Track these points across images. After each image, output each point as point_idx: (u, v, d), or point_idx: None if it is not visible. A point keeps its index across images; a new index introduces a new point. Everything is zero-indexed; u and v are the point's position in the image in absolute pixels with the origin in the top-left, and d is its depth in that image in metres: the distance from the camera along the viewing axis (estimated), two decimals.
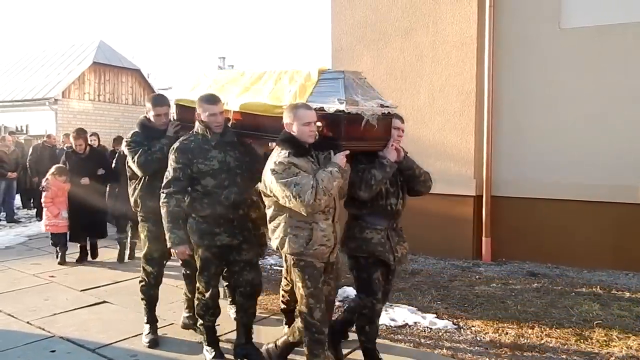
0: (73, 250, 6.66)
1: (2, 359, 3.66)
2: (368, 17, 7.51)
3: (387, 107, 3.34)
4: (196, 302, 3.60)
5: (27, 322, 4.36)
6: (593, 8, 6.35)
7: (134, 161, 3.75)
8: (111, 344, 3.91)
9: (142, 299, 4.09)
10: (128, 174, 3.98)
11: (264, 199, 3.15)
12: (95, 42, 22.58)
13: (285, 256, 3.10)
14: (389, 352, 3.79)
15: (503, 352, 3.81)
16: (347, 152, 3.02)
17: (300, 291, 3.03)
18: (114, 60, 22.32)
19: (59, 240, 6.57)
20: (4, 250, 7.32)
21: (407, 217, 6.98)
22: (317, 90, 3.29)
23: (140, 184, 3.89)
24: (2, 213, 10.00)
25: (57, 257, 6.56)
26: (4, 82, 22.24)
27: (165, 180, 3.39)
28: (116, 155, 6.83)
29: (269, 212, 3.10)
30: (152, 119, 3.90)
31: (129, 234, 6.65)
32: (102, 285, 5.55)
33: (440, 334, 4.19)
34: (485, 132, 6.70)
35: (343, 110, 3.02)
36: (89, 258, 6.68)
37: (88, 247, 6.69)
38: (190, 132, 3.51)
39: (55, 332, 4.09)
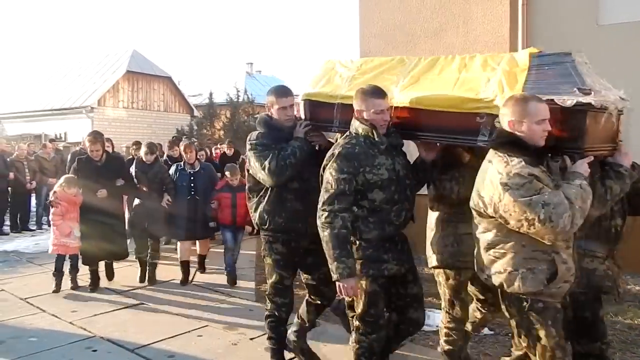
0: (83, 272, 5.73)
1: (47, 357, 3.80)
2: (396, 19, 7.49)
3: (625, 100, 2.61)
4: (354, 344, 2.89)
5: (70, 323, 4.51)
6: (632, 2, 6.16)
7: (265, 168, 3.05)
8: (149, 344, 4.01)
9: (269, 338, 3.43)
10: (248, 184, 3.37)
11: (477, 219, 2.50)
12: (129, 51, 23.24)
13: (504, 295, 2.50)
14: (425, 357, 3.75)
15: None
16: (591, 158, 2.41)
17: (540, 341, 2.41)
18: (147, 69, 22.92)
19: (60, 265, 5.52)
20: (46, 254, 7.58)
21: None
22: (534, 78, 2.63)
23: (267, 197, 3.20)
24: (45, 217, 10.36)
25: (56, 286, 5.46)
26: (43, 92, 23.10)
27: (325, 195, 2.72)
28: (134, 162, 6.20)
29: (486, 236, 2.47)
30: (275, 114, 3.25)
31: (149, 252, 5.89)
32: (139, 288, 5.69)
33: (477, 339, 4.11)
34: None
35: (586, 103, 2.34)
36: (104, 281, 5.77)
37: (102, 269, 5.77)
38: (348, 134, 2.88)
39: (96, 332, 4.22)
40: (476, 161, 2.70)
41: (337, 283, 2.70)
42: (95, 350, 3.89)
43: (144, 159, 5.95)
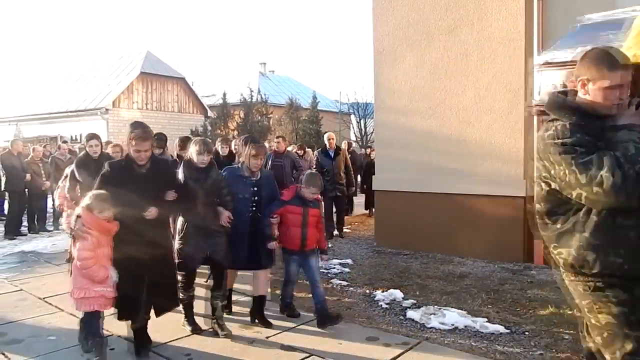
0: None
1: (66, 355, 3.85)
2: (410, 17, 7.45)
3: None
4: None
5: None
6: None
7: (601, 181, 1.98)
8: (166, 343, 4.03)
9: None
10: (545, 205, 2.34)
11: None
12: (143, 52, 23.49)
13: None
14: (440, 355, 3.73)
15: (560, 358, 3.68)
16: None
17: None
18: (160, 70, 23.14)
19: (97, 328, 3.63)
20: (63, 254, 7.66)
21: (455, 220, 6.96)
22: None
23: (588, 224, 2.13)
24: (62, 218, 10.48)
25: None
26: (58, 94, 23.44)
27: None
28: (180, 167, 4.27)
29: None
30: (592, 94, 2.17)
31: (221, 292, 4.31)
32: None
33: (492, 338, 4.08)
34: (535, 130, 6.49)
35: None
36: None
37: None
38: None
39: (114, 331, 4.24)
40: None
41: None
42: (112, 349, 3.92)
43: (195, 162, 4.15)
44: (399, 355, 3.71)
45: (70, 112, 21.67)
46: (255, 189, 4.37)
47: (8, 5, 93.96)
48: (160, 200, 3.71)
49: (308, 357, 3.73)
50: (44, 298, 5.31)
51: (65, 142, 13.12)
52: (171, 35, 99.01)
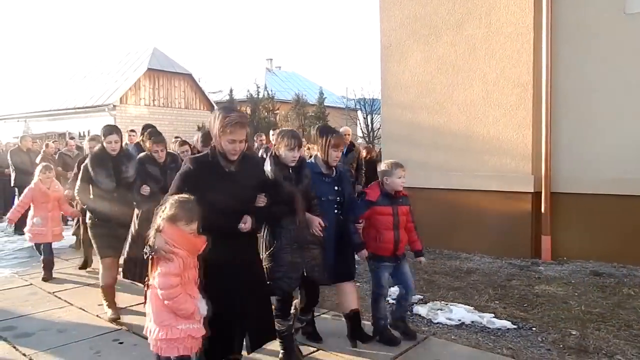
0: None
1: (75, 348, 3.88)
2: (417, 12, 7.42)
3: None
4: None
5: (97, 316, 4.60)
6: None
7: None
8: None
9: None
10: None
11: None
12: (150, 49, 23.53)
13: None
14: (447, 351, 3.73)
15: (567, 354, 3.67)
16: None
17: None
18: (167, 66, 23.18)
19: None
20: (72, 249, 7.72)
21: (462, 215, 6.94)
22: None
23: None
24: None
25: None
26: (66, 91, 23.58)
27: None
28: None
29: None
30: None
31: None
32: None
33: (499, 333, 4.08)
34: (543, 125, 6.46)
35: None
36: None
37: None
38: None
39: (123, 325, 4.28)
40: None
41: None
42: (121, 343, 3.96)
43: (284, 159, 3.39)
44: (405, 351, 3.72)
45: (78, 108, 21.78)
46: (338, 188, 3.74)
47: (17, 3, 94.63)
48: (254, 207, 2.98)
49: (315, 351, 3.74)
50: (53, 292, 5.36)
51: (72, 138, 13.22)
52: (178, 31, 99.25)
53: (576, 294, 5.02)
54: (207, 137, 5.15)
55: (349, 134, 8.06)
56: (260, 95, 24.11)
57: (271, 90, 25.14)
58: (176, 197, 2.71)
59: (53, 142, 11.40)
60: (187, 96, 24.10)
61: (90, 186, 4.62)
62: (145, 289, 2.80)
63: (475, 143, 6.93)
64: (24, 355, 3.76)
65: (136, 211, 4.81)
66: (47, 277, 5.84)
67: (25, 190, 6.11)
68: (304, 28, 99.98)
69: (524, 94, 6.56)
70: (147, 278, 2.77)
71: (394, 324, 3.95)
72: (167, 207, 2.68)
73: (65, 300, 5.07)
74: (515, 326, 4.20)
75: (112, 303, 4.61)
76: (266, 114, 23.36)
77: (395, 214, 3.79)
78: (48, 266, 5.92)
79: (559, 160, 6.48)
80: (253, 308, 3.00)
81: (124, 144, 8.94)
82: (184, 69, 24.01)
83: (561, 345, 3.80)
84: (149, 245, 2.64)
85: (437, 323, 4.30)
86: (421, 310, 4.56)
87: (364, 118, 31.31)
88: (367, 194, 3.85)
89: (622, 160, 6.09)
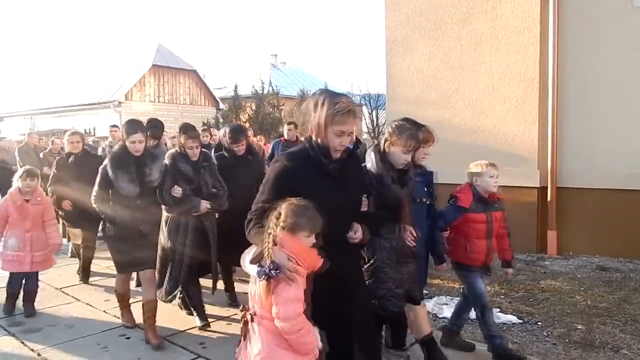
0: None
1: (83, 344, 3.91)
2: (423, 6, 7.38)
3: None
4: None
5: (104, 311, 4.64)
6: None
7: None
8: (180, 332, 4.09)
9: None
10: None
11: None
12: (154, 45, 23.56)
13: None
14: (452, 345, 3.72)
15: (573, 348, 3.67)
16: None
17: None
18: (172, 62, 23.22)
19: None
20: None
21: None
22: None
23: None
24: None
25: None
26: (72, 88, 23.67)
27: None
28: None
29: None
30: None
31: None
32: None
33: (504, 328, 4.08)
34: (549, 120, 6.42)
35: None
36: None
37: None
38: None
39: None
40: None
41: None
42: (128, 338, 4.00)
43: (396, 159, 2.94)
44: (411, 345, 3.72)
45: (84, 105, 21.87)
46: (428, 189, 3.33)
47: (22, 1, 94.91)
48: (362, 214, 2.46)
49: None
50: (60, 288, 5.40)
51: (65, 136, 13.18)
52: (182, 27, 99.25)
53: (582, 288, 5.01)
54: (237, 132, 4.62)
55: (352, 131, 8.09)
56: (265, 91, 24.09)
57: (276, 86, 25.10)
58: (293, 201, 2.13)
59: (58, 138, 11.42)
60: (192, 92, 24.14)
61: (110, 192, 3.90)
62: (247, 320, 2.17)
63: (481, 138, 6.91)
64: (32, 350, 3.80)
65: (164, 216, 4.13)
66: (31, 313, 4.53)
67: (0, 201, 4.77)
68: (309, 24, 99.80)
69: (530, 88, 6.52)
70: (243, 307, 2.23)
71: (445, 337, 3.67)
72: (282, 214, 2.11)
73: (72, 296, 5.11)
74: (520, 321, 4.20)
75: (126, 309, 4.28)
76: (271, 109, 23.35)
77: (489, 221, 3.36)
78: (29, 297, 4.59)
79: (565, 154, 6.44)
80: (365, 336, 2.46)
81: (107, 141, 7.83)
82: (189, 65, 24.04)
83: (567, 340, 3.80)
84: (272, 263, 2.03)
85: (443, 318, 4.31)
86: (427, 305, 4.55)
87: (369, 113, 31.24)
88: (459, 198, 3.39)
89: (629, 155, 6.05)
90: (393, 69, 7.79)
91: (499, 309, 4.42)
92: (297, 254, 2.06)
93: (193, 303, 4.29)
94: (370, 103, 31.41)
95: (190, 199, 4.05)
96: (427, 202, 3.28)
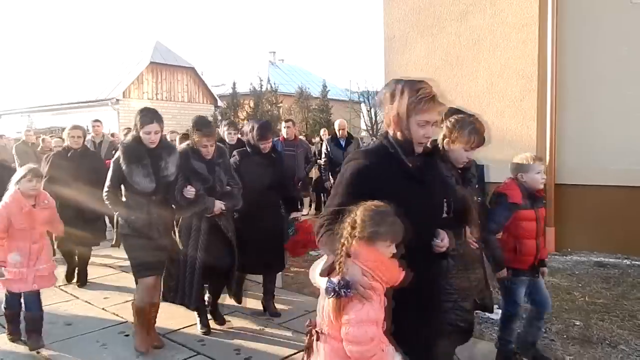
0: None
1: (82, 341, 3.92)
2: (421, 3, 7.37)
3: None
4: None
5: (103, 309, 4.63)
6: None
7: None
8: (179, 329, 4.09)
9: None
10: None
11: None
12: (152, 42, 23.49)
13: None
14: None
15: (571, 344, 3.68)
16: None
17: None
18: (170, 60, 23.16)
19: None
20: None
21: None
22: None
23: None
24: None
25: None
26: (70, 85, 23.61)
27: None
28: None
29: None
30: None
31: None
32: None
33: None
34: (548, 117, 6.42)
35: None
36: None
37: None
38: None
39: (128, 317, 4.29)
40: None
41: None
42: (127, 335, 3.99)
43: (457, 157, 2.81)
44: None
45: (82, 102, 21.82)
46: (480, 185, 3.11)
47: None
48: (446, 219, 2.18)
49: None
50: (59, 286, 5.36)
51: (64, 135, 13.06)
52: (180, 24, 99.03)
53: (580, 285, 5.02)
54: (266, 129, 4.26)
55: (344, 128, 8.03)
56: (264, 89, 24.08)
57: (274, 84, 25.10)
58: (370, 206, 1.85)
59: (51, 137, 11.35)
60: (190, 90, 24.10)
61: (123, 188, 3.60)
62: (312, 338, 1.94)
63: None
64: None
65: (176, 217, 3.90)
66: (37, 346, 3.72)
67: None
68: (307, 21, 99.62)
69: (528, 85, 6.52)
70: (310, 321, 1.99)
71: (521, 348, 3.37)
72: (358, 222, 1.83)
73: (70, 294, 5.11)
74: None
75: (142, 329, 3.70)
76: (269, 107, 23.35)
77: (538, 218, 3.16)
78: (35, 326, 3.75)
79: (564, 151, 6.45)
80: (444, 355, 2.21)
81: (90, 136, 7.12)
82: (187, 63, 23.99)
83: (565, 336, 3.81)
84: (342, 279, 1.77)
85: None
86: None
87: (368, 111, 31.20)
88: (508, 195, 3.09)
89: (628, 152, 6.06)
90: (391, 66, 7.78)
91: (496, 305, 4.41)
92: (373, 268, 1.80)
93: (195, 308, 4.02)
94: (368, 100, 31.37)
95: (203, 199, 3.72)
96: (479, 200, 3.00)
